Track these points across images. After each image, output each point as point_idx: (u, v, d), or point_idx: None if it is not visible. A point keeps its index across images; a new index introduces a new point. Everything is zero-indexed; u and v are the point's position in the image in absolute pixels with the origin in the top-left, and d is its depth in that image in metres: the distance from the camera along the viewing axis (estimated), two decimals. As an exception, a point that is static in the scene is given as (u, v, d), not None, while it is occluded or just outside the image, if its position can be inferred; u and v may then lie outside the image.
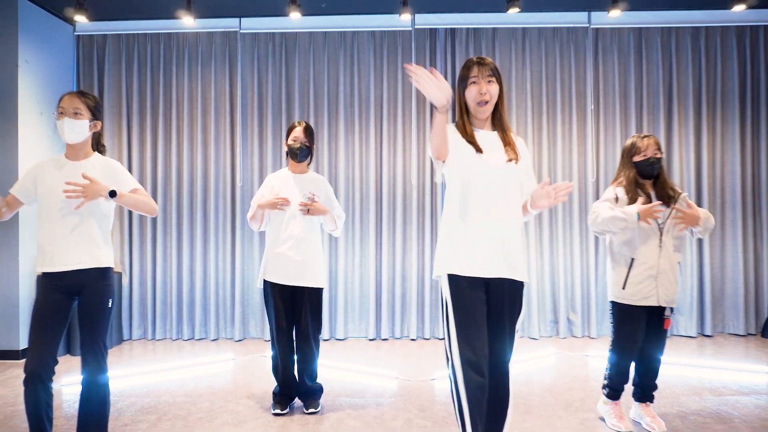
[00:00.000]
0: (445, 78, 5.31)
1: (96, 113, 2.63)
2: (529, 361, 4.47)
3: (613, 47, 5.42)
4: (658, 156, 2.98)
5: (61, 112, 2.55)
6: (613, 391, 3.11)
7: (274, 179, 3.48)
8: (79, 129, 2.56)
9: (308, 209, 3.29)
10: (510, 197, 2.22)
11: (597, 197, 5.39)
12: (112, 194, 2.48)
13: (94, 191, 2.43)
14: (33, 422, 2.45)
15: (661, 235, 2.92)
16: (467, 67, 2.27)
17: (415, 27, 5.39)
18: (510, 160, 2.22)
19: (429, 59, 5.44)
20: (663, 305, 2.94)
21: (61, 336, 2.55)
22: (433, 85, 1.95)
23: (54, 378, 2.51)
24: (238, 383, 4.02)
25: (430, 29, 5.44)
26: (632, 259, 2.98)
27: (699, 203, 5.31)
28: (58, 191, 2.50)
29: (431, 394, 3.74)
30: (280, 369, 3.37)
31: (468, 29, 5.43)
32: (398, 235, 5.37)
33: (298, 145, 3.38)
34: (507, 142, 2.27)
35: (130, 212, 5.40)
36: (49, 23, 5.09)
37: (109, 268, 2.63)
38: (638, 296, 2.95)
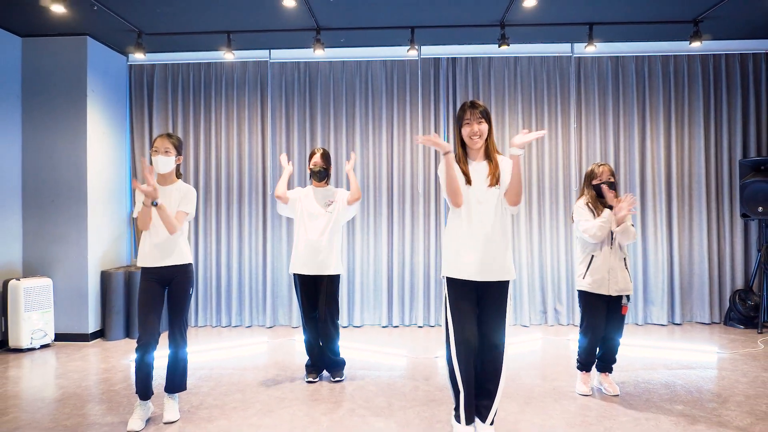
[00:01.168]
0: (446, 99, 6.22)
1: (179, 150, 3.51)
2: (520, 344, 5.28)
3: (594, 73, 6.22)
4: (612, 180, 3.81)
5: (156, 150, 3.42)
6: (582, 365, 3.90)
7: (300, 190, 4.37)
8: (169, 163, 3.44)
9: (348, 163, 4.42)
10: (494, 214, 2.97)
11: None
12: (154, 204, 3.26)
13: (150, 194, 3.22)
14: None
15: (612, 237, 3.74)
16: (463, 109, 3.03)
17: (421, 57, 6.22)
18: (492, 186, 2.97)
19: (433, 84, 6.26)
20: (613, 294, 3.74)
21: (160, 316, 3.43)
22: (436, 141, 2.87)
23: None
24: (275, 359, 4.87)
25: (434, 58, 6.26)
26: (592, 256, 3.80)
27: (669, 209, 6.11)
28: (154, 211, 3.37)
29: (434, 368, 4.57)
30: (312, 347, 4.24)
31: (467, 58, 6.25)
32: (407, 236, 6.20)
33: (318, 169, 4.28)
34: (492, 171, 2.99)
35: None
36: (108, 56, 5.97)
37: (189, 264, 3.50)
38: (594, 285, 3.76)
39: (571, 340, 5.44)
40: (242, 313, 6.28)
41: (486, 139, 3.04)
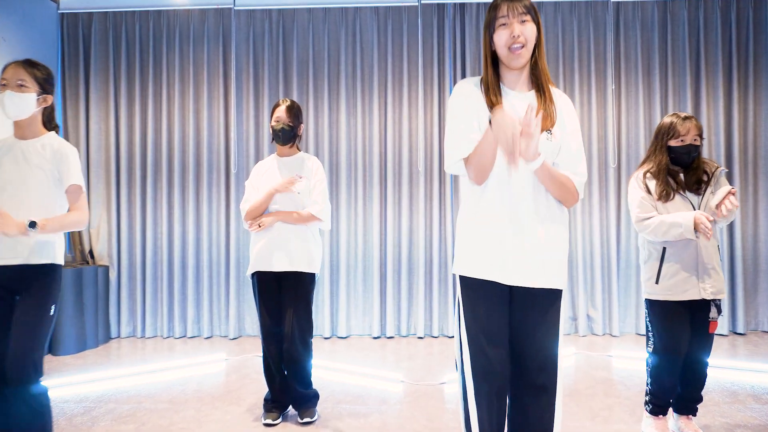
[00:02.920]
0: (453, 54, 5.00)
1: (46, 86, 2.31)
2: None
3: (636, 22, 5.01)
4: (698, 144, 2.62)
5: (4, 84, 2.24)
6: (656, 407, 2.72)
7: (260, 166, 3.11)
8: (26, 103, 2.22)
9: (260, 226, 2.94)
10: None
11: (618, 185, 5.01)
12: (32, 225, 2.10)
13: (7, 227, 2.05)
14: None
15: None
16: (495, 6, 1.79)
17: (422, 2, 5.01)
18: (546, 135, 1.77)
19: (437, 37, 5.06)
20: (708, 298, 2.55)
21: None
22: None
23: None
24: (229, 387, 3.67)
25: (438, 4, 5.05)
26: (664, 248, 2.60)
27: (730, 179, 4.91)
28: (6, 178, 2.22)
29: (440, 400, 3.38)
30: (275, 371, 3.02)
31: (478, 4, 5.04)
32: (404, 225, 5.01)
33: (281, 126, 2.99)
34: (546, 107, 1.80)
35: (118, 198, 5.07)
36: (30, 1, 4.74)
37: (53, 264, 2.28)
38: (677, 290, 2.57)
39: (613, 357, 4.25)
40: (200, 320, 5.07)
41: (534, 53, 1.81)
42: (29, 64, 2.30)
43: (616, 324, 4.90)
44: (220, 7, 5.09)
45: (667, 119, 2.69)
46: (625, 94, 5.03)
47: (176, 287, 5.04)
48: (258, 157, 5.06)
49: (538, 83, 1.84)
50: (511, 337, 1.83)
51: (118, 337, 5.07)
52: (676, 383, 2.66)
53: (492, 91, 1.82)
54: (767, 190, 4.93)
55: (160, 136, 5.11)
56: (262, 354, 3.05)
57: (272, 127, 3.03)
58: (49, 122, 2.39)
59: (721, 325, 4.85)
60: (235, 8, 5.09)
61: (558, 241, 1.83)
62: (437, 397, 3.43)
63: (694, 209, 2.54)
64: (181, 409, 3.25)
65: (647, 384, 2.73)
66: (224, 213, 5.08)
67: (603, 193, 5.01)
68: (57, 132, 2.40)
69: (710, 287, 2.54)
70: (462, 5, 5.05)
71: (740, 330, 4.89)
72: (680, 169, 2.64)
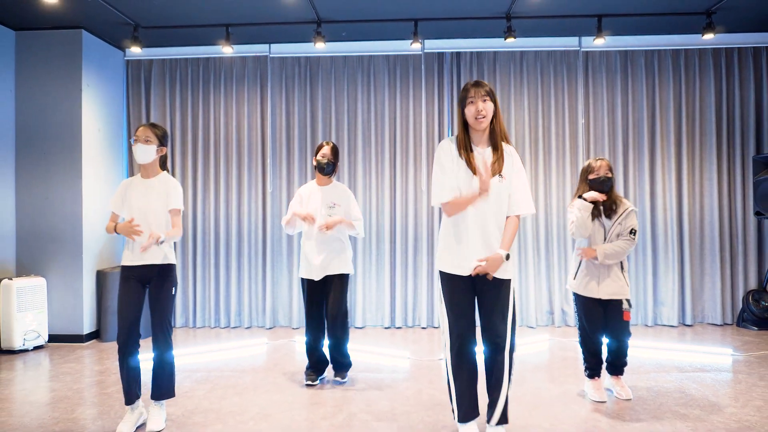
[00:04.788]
0: (451, 94, 6.06)
1: (163, 141, 3.33)
2: (526, 346, 5.11)
3: (602, 68, 6.06)
4: (609, 176, 3.60)
5: (136, 139, 3.22)
6: (590, 371, 3.72)
7: (303, 190, 4.15)
8: (149, 152, 3.25)
9: (327, 228, 3.92)
10: (497, 210, 2.80)
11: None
12: (160, 243, 3.11)
13: (151, 238, 3.05)
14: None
15: (605, 240, 3.60)
16: (465, 89, 2.81)
17: (425, 51, 6.07)
18: (498, 178, 2.78)
19: (437, 80, 6.11)
20: (604, 298, 3.56)
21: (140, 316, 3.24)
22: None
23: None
24: (274, 361, 4.72)
25: (438, 53, 6.11)
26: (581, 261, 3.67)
27: (679, 206, 5.94)
28: (134, 205, 3.22)
29: (438, 371, 4.42)
30: (313, 349, 4.07)
31: (472, 53, 6.09)
32: (410, 237, 6.04)
33: (326, 161, 4.04)
34: (499, 159, 2.80)
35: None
36: (104, 51, 5.83)
37: (171, 264, 3.32)
38: (584, 288, 3.62)
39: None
40: (241, 313, 6.13)
41: (492, 122, 2.84)
42: (152, 126, 3.30)
43: (585, 317, 5.92)
44: (257, 54, 6.16)
45: (586, 162, 3.74)
46: (593, 126, 6.06)
47: (222, 285, 6.09)
48: (289, 178, 6.11)
49: (495, 142, 2.87)
50: (480, 313, 2.88)
51: (174, 327, 6.13)
52: (599, 352, 3.65)
53: (463, 147, 2.85)
54: (710, 206, 5.94)
55: (209, 162, 6.16)
56: (306, 335, 4.08)
57: (318, 161, 4.04)
58: (162, 165, 3.42)
59: (671, 316, 5.87)
60: (270, 56, 6.16)
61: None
62: (436, 369, 4.47)
63: (605, 232, 3.61)
64: (241, 376, 4.29)
65: (582, 355, 3.75)
66: (261, 226, 6.13)
67: (575, 209, 6.04)
68: (166, 171, 3.43)
69: (605, 291, 3.55)
70: (458, 53, 6.11)
71: (688, 322, 5.90)
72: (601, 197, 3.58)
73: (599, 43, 5.46)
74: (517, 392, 3.82)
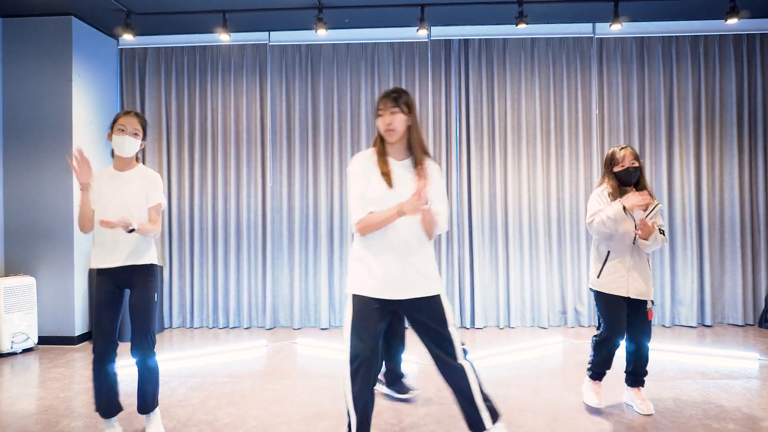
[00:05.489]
0: (458, 84, 5.78)
1: (146, 132, 3.09)
2: (538, 348, 4.86)
3: (617, 55, 5.77)
4: (636, 165, 3.27)
5: (122, 129, 2.93)
6: (596, 373, 3.45)
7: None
8: (135, 146, 3.00)
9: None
10: (414, 222, 2.49)
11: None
12: (131, 231, 2.82)
13: (124, 223, 2.75)
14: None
15: (635, 237, 3.28)
16: (378, 100, 2.58)
17: (431, 39, 5.79)
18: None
19: (444, 69, 5.83)
20: (633, 297, 3.26)
21: (118, 322, 2.99)
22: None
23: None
24: (273, 366, 4.47)
25: (445, 40, 5.83)
26: (608, 252, 3.34)
27: (699, 201, 5.67)
28: (111, 200, 2.93)
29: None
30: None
31: (480, 40, 5.81)
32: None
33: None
34: (416, 173, 2.41)
35: (170, 213, 5.88)
36: (96, 39, 5.56)
37: (152, 264, 3.05)
38: (611, 286, 3.30)
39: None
40: (240, 313, 5.88)
41: (409, 134, 2.57)
42: (138, 116, 3.04)
43: (599, 317, 5.66)
44: (256, 42, 5.88)
45: (609, 152, 3.40)
46: (607, 116, 5.78)
47: (220, 284, 5.84)
48: (290, 170, 5.84)
49: (415, 155, 2.58)
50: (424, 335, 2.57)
51: (170, 327, 5.89)
52: (612, 356, 3.36)
53: (381, 160, 2.56)
54: (730, 202, 5.66)
55: (206, 155, 5.91)
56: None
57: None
58: (138, 157, 3.16)
59: (690, 317, 5.61)
60: (270, 44, 5.89)
61: (426, 260, 2.55)
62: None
63: (636, 227, 3.22)
64: (239, 381, 4.05)
65: (591, 356, 3.47)
66: (261, 219, 5.88)
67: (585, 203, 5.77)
68: (139, 162, 3.15)
69: (634, 290, 3.25)
70: (466, 41, 5.82)
71: (708, 322, 5.64)
72: (629, 187, 3.28)
73: (615, 29, 5.18)
74: (533, 402, 3.58)
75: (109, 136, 3.01)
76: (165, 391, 3.81)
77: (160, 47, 5.94)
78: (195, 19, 5.43)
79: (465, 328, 5.72)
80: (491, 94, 5.83)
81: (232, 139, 5.89)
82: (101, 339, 2.92)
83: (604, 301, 3.35)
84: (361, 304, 2.50)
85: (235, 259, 5.86)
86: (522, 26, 5.01)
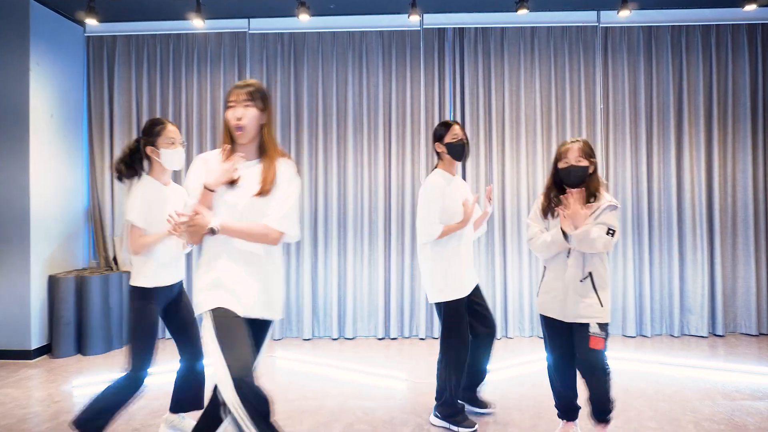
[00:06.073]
0: (453, 75, 5.36)
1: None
2: (538, 362, 4.40)
3: (623, 46, 5.37)
4: (582, 164, 2.70)
5: (172, 143, 2.80)
6: (560, 412, 2.96)
7: (439, 180, 3.19)
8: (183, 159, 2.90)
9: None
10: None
11: (615, 191, 5.37)
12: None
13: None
14: None
15: (569, 247, 2.73)
16: (228, 92, 2.21)
17: (424, 27, 5.38)
18: (259, 194, 2.13)
19: (438, 59, 5.42)
20: (568, 321, 2.71)
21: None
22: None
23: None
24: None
25: (439, 29, 5.41)
26: (545, 268, 2.88)
27: (710, 204, 5.28)
28: (162, 217, 2.69)
29: (441, 396, 3.74)
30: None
31: (477, 29, 5.40)
32: (407, 236, 5.36)
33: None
34: (265, 175, 2.15)
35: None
36: (59, 25, 5.11)
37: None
38: (545, 307, 2.81)
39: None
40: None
41: (262, 133, 2.21)
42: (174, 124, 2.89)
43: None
44: (235, 30, 5.45)
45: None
46: (612, 111, 5.38)
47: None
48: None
49: (267, 155, 2.20)
50: None
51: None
52: (568, 391, 2.87)
53: (229, 158, 2.16)
54: (743, 203, 5.28)
55: (180, 151, 5.47)
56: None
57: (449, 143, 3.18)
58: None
59: (700, 326, 5.21)
60: (250, 32, 5.45)
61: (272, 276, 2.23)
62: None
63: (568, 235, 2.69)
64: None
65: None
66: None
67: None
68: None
69: (571, 312, 2.69)
70: (461, 29, 5.41)
71: (719, 332, 5.25)
72: (575, 189, 2.73)
73: (622, 17, 4.79)
74: (537, 428, 3.16)
75: (149, 149, 2.80)
76: (121, 417, 3.36)
77: (130, 35, 5.49)
78: (168, 4, 4.99)
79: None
80: (488, 87, 5.42)
81: (208, 135, 5.44)
82: None
83: (543, 324, 2.88)
84: (222, 317, 2.09)
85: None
86: (522, 12, 4.61)
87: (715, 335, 5.27)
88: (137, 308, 2.76)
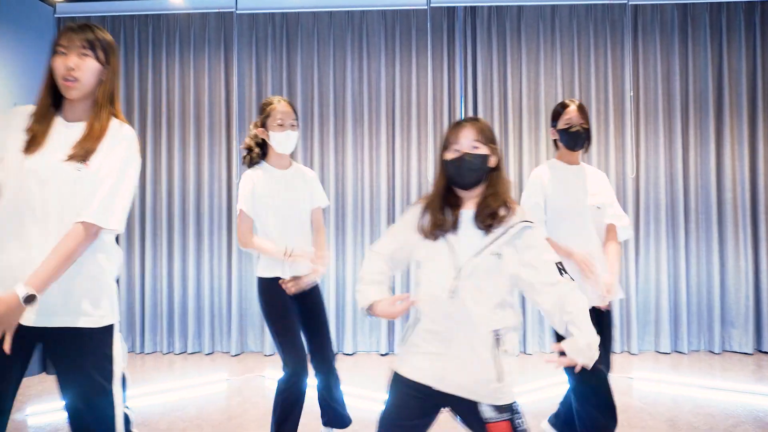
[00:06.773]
0: (464, 59, 4.82)
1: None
2: (549, 388, 3.82)
3: (655, 26, 4.80)
4: (477, 153, 1.76)
5: (281, 125, 2.55)
6: None
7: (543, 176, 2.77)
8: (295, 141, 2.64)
9: None
10: (60, 206, 1.65)
11: (636, 195, 4.81)
12: None
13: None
14: None
15: (455, 277, 1.70)
16: (59, 33, 1.72)
17: (431, 5, 4.82)
18: (70, 158, 1.66)
19: (447, 41, 4.86)
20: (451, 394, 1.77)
21: None
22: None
23: None
24: (231, 411, 3.49)
25: (448, 8, 4.86)
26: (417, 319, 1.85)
27: (754, 202, 4.71)
28: (278, 204, 2.62)
29: (444, 425, 3.18)
30: None
31: (490, 7, 4.84)
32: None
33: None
34: (87, 135, 1.70)
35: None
36: (24, 4, 4.58)
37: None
38: (413, 372, 1.83)
39: (635, 380, 4.04)
40: (201, 336, 4.90)
41: (96, 93, 1.74)
42: (291, 105, 2.64)
43: (634, 341, 4.69)
44: (221, 11, 4.91)
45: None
46: (643, 99, 4.83)
47: (176, 298, 4.86)
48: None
49: (96, 114, 1.73)
50: None
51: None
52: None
53: (39, 118, 1.70)
54: (793, 201, 4.71)
55: (160, 145, 4.94)
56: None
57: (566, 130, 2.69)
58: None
59: (744, 342, 4.64)
60: (237, 12, 4.91)
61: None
62: (445, 419, 3.24)
63: (457, 259, 1.72)
64: (179, 439, 3.07)
65: None
66: (226, 222, 4.90)
67: (621, 206, 4.80)
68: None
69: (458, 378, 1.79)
70: (473, 8, 4.85)
71: (765, 348, 4.67)
72: (464, 193, 1.82)
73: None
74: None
75: (260, 131, 2.62)
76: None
77: (105, 15, 4.97)
78: (143, -21, 4.46)
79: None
80: (503, 72, 4.86)
81: (191, 125, 4.91)
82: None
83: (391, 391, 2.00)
84: None
85: (194, 267, 4.87)
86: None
87: (761, 351, 4.69)
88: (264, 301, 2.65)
